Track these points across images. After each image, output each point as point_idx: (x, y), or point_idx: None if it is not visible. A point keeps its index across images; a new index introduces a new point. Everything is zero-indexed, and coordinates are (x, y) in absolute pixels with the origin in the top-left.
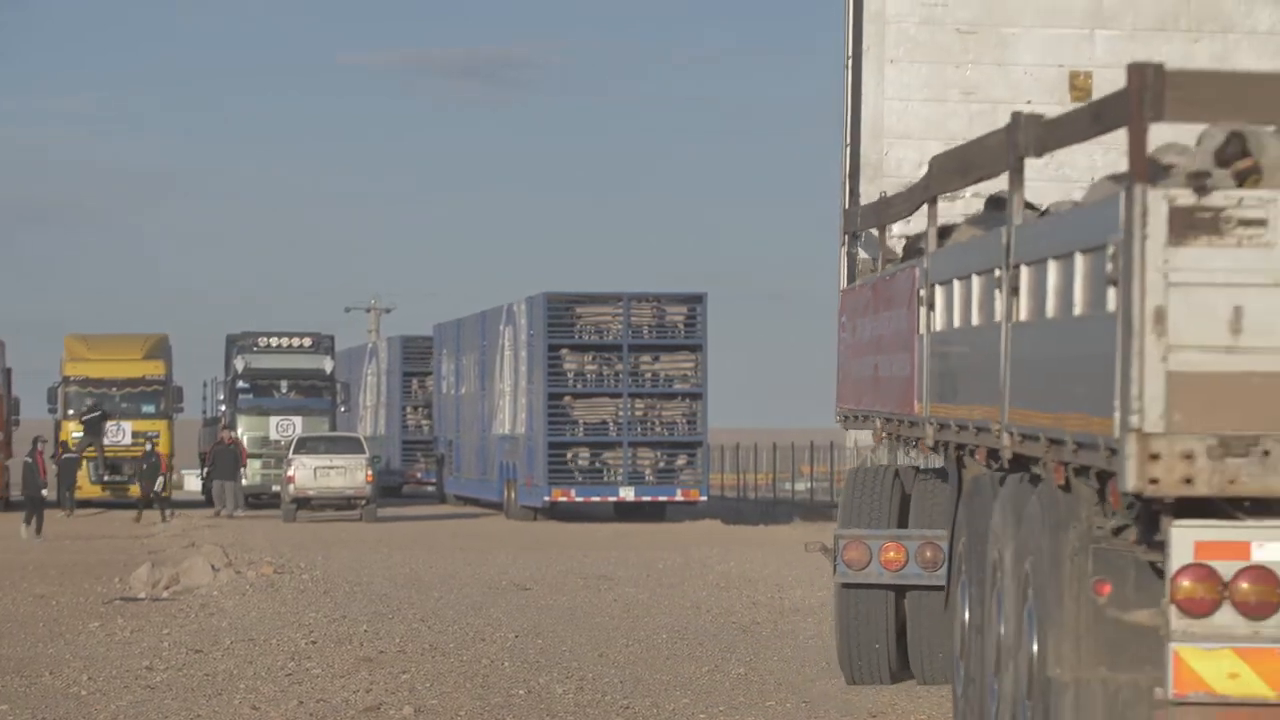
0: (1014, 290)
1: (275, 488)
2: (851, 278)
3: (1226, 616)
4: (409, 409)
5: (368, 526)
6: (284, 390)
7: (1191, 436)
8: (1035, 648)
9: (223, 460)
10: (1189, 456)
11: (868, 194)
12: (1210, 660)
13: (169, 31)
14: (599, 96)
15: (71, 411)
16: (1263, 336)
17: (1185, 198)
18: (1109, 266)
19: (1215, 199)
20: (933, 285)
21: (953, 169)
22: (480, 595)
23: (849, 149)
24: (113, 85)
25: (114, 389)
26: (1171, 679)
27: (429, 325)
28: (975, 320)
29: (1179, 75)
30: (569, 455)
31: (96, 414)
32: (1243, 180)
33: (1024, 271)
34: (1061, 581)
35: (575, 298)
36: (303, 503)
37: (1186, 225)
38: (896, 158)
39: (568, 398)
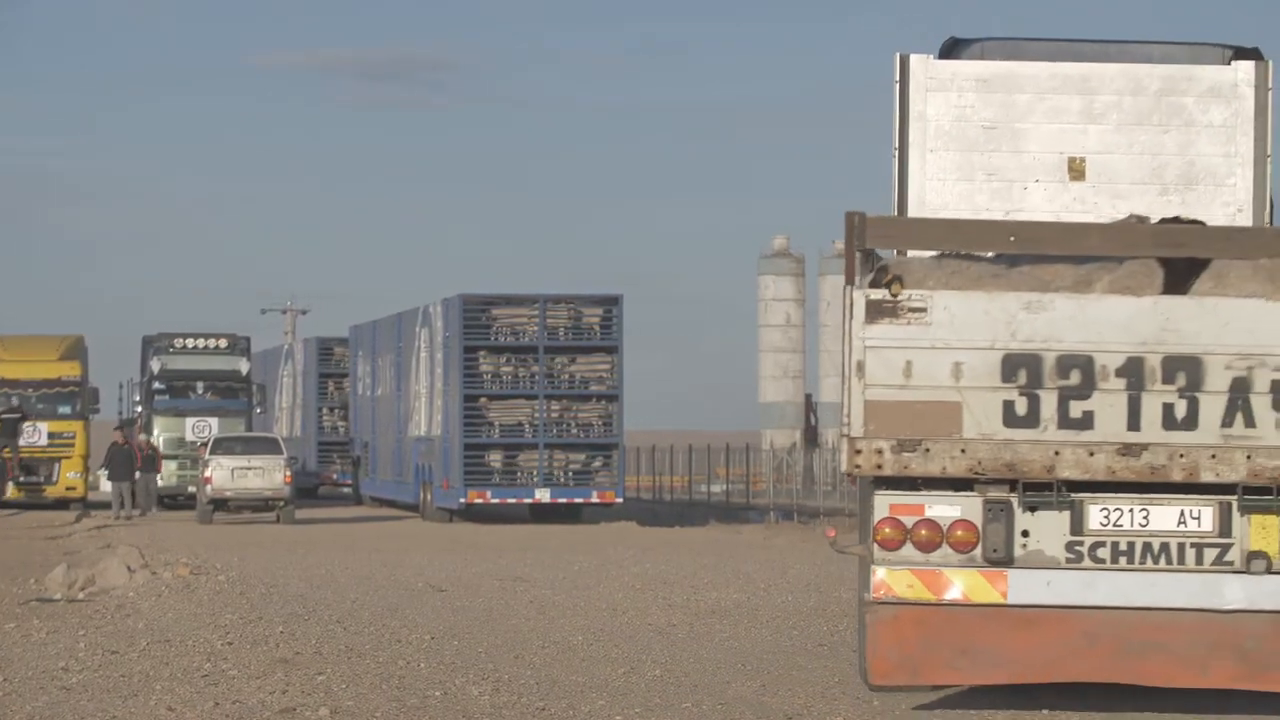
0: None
1: (191, 489)
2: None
3: (907, 551)
4: (325, 410)
5: (284, 528)
6: (200, 391)
7: (881, 439)
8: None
9: (117, 461)
10: (879, 451)
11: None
12: (897, 576)
13: (75, 35)
14: (513, 98)
15: None
16: (923, 380)
17: (872, 294)
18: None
19: (895, 293)
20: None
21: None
22: (396, 597)
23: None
24: (20, 85)
25: (30, 390)
26: (871, 588)
27: (345, 327)
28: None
29: (875, 220)
30: (485, 457)
31: (16, 415)
32: (888, 286)
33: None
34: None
35: (491, 299)
36: (220, 504)
37: (873, 310)
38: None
39: (483, 400)
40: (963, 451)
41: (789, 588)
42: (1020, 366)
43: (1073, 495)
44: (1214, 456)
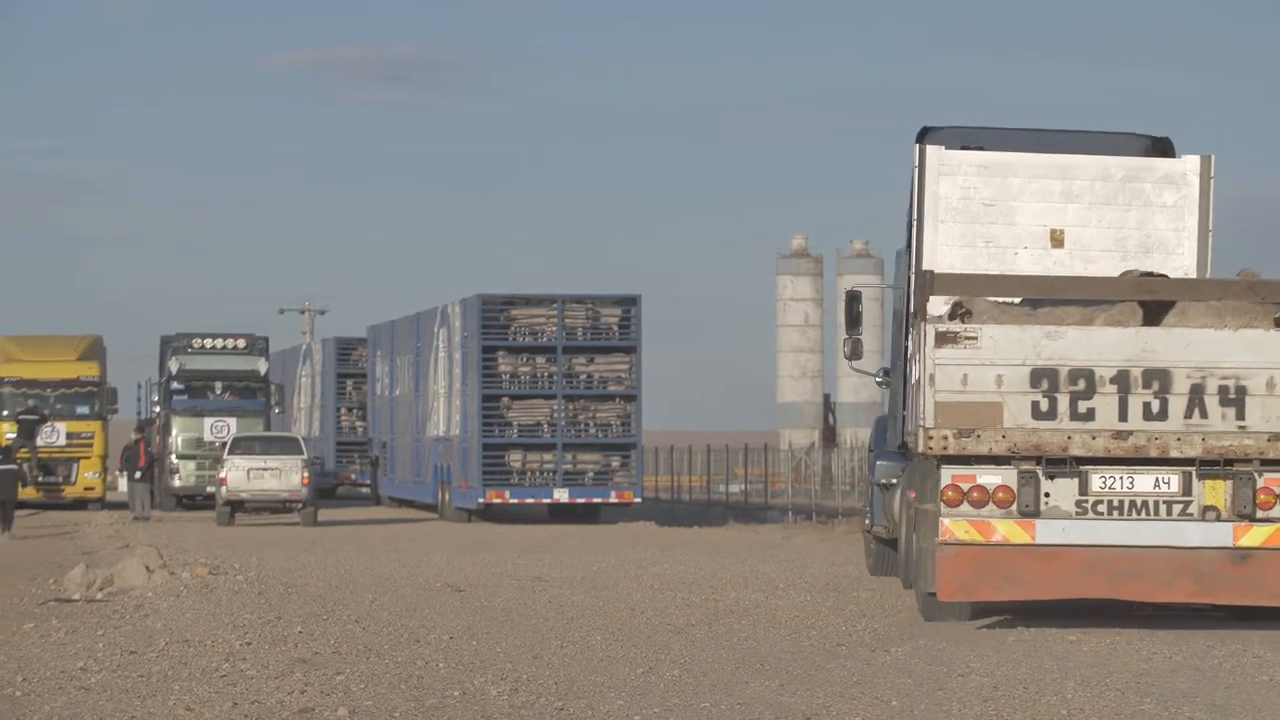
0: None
1: (210, 489)
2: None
3: (964, 507)
4: (343, 410)
5: (303, 528)
6: (218, 391)
7: (946, 429)
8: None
9: (134, 462)
10: (945, 437)
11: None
12: (957, 525)
13: (81, 35)
14: (531, 98)
15: (5, 413)
16: (975, 387)
17: (940, 327)
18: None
19: (954, 326)
20: (912, 359)
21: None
22: (415, 597)
23: (915, 275)
24: (31, 87)
25: (48, 390)
26: (940, 533)
27: (363, 327)
28: (912, 379)
29: (942, 276)
30: (503, 457)
31: (33, 416)
32: (961, 318)
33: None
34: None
35: (510, 299)
36: (237, 505)
37: (940, 339)
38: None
39: (502, 400)
40: (1003, 437)
41: (807, 587)
42: (1043, 377)
43: (1080, 467)
44: (1179, 439)
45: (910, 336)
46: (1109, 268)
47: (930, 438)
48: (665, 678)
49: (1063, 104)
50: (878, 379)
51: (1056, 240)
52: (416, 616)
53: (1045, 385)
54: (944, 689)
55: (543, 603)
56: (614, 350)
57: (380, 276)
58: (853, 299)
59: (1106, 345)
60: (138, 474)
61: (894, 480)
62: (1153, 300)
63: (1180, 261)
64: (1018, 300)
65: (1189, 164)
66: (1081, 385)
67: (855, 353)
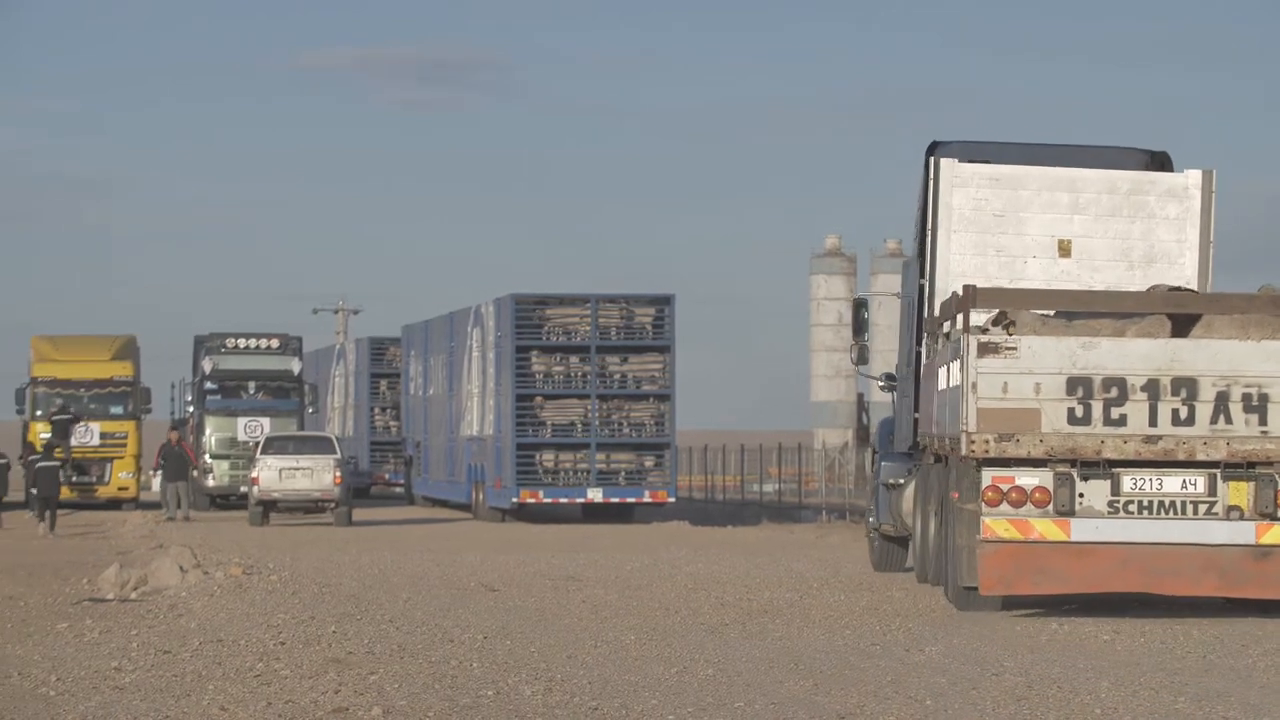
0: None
1: (244, 489)
2: (928, 357)
3: (1004, 507)
4: (377, 410)
5: (337, 528)
6: (252, 391)
7: (988, 433)
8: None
9: (171, 462)
10: (986, 441)
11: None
12: (998, 524)
13: (121, 34)
14: (565, 99)
15: (40, 413)
16: (1014, 394)
17: (983, 338)
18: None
19: (995, 337)
20: (938, 365)
21: (949, 314)
22: (449, 596)
23: (929, 282)
24: (68, 89)
25: (82, 390)
26: (981, 530)
27: (397, 327)
28: (944, 385)
29: (983, 290)
30: (537, 457)
31: (66, 416)
32: (1005, 329)
33: (948, 365)
34: (947, 496)
35: (543, 299)
36: (269, 505)
37: (982, 349)
38: (957, 289)
39: (536, 399)
40: (1041, 441)
41: (841, 587)
42: (1078, 385)
43: (1112, 469)
44: (1205, 443)
45: (924, 343)
46: (1114, 277)
47: (972, 441)
48: (699, 677)
49: (1079, 105)
50: (881, 383)
51: (1064, 250)
52: (450, 616)
53: (1080, 392)
54: (978, 688)
55: (577, 602)
56: (648, 350)
57: (414, 276)
58: (859, 306)
59: (1138, 355)
60: (194, 472)
61: (900, 480)
62: (1181, 313)
63: (1182, 271)
64: (1052, 312)
65: (1191, 178)
66: (1114, 392)
67: (861, 357)
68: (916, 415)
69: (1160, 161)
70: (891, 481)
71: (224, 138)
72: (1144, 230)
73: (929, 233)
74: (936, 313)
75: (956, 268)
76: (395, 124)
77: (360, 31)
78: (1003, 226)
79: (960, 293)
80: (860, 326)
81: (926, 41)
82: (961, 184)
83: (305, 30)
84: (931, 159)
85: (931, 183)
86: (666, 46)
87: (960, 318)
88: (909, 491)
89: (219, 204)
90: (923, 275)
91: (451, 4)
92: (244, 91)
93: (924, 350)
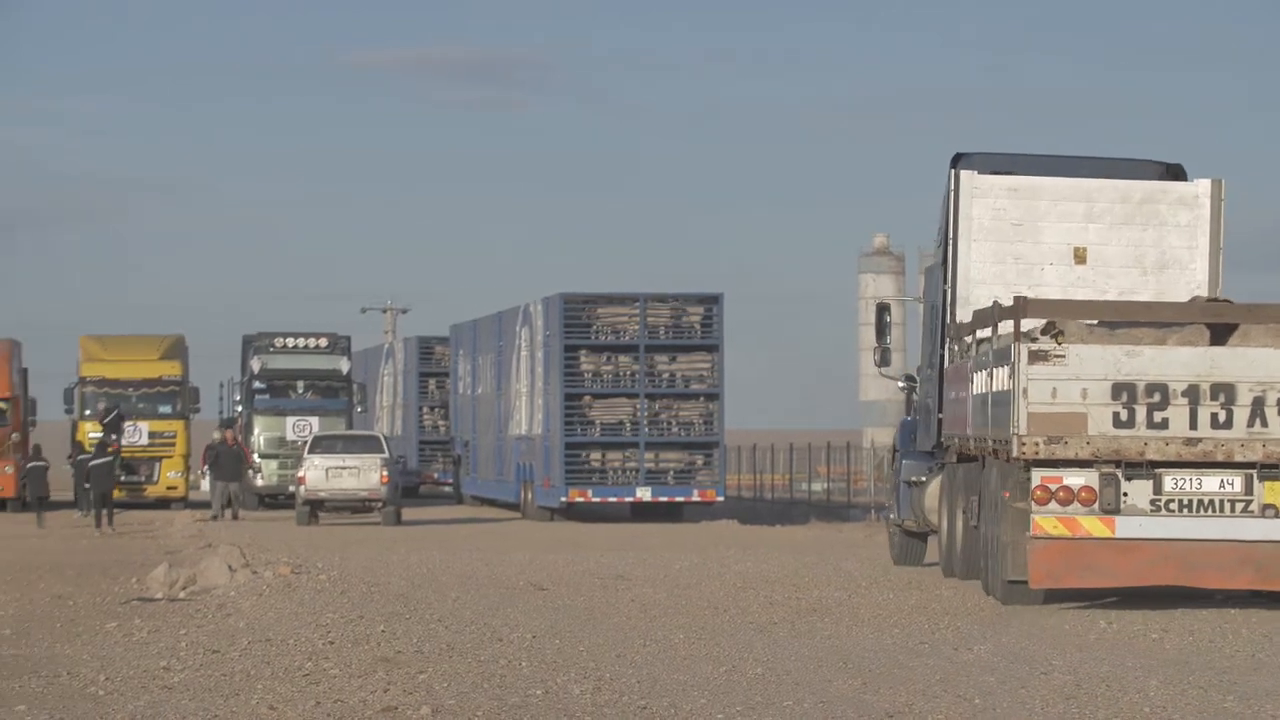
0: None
1: (292, 489)
2: (950, 361)
3: (1053, 505)
4: (425, 409)
5: (385, 527)
6: (300, 391)
7: (1037, 436)
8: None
9: (225, 461)
10: (1036, 444)
11: (962, 315)
12: (1046, 521)
13: (173, 32)
14: (612, 98)
15: (88, 412)
16: (1063, 399)
17: (1034, 346)
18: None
19: (1045, 345)
20: (973, 370)
21: (976, 326)
22: (497, 596)
23: (950, 289)
24: (118, 87)
25: (130, 389)
26: (1031, 528)
27: (445, 326)
28: (983, 389)
29: (1034, 301)
30: (586, 456)
31: (114, 414)
32: (1054, 338)
33: (988, 370)
34: (996, 495)
35: (592, 298)
36: (316, 505)
37: (1033, 356)
38: (978, 295)
39: (584, 398)
40: (1087, 444)
41: (890, 585)
42: (1123, 390)
43: (1155, 470)
44: (1242, 445)
45: (946, 346)
46: (1128, 282)
47: (1023, 444)
48: (748, 676)
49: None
50: (901, 384)
51: (1079, 257)
52: (499, 615)
53: (1124, 397)
54: (1027, 687)
55: (625, 601)
56: (696, 349)
57: (462, 275)
58: (882, 310)
59: (1179, 362)
60: (251, 472)
61: (921, 478)
62: (1219, 323)
63: (1194, 277)
64: (1095, 322)
65: (1201, 187)
66: (1156, 397)
67: (884, 360)
68: (940, 416)
69: (1175, 173)
70: (913, 479)
71: (273, 137)
72: (1156, 237)
73: (951, 241)
74: (958, 318)
75: (976, 274)
76: (445, 123)
77: (411, 31)
78: (1021, 235)
79: (1009, 302)
80: (883, 330)
81: (975, 43)
82: (981, 194)
83: (356, 30)
84: (953, 170)
85: (953, 193)
86: (717, 45)
87: (1009, 325)
88: (932, 488)
89: (268, 203)
90: (945, 281)
91: (502, 3)
92: (294, 91)
93: (946, 353)
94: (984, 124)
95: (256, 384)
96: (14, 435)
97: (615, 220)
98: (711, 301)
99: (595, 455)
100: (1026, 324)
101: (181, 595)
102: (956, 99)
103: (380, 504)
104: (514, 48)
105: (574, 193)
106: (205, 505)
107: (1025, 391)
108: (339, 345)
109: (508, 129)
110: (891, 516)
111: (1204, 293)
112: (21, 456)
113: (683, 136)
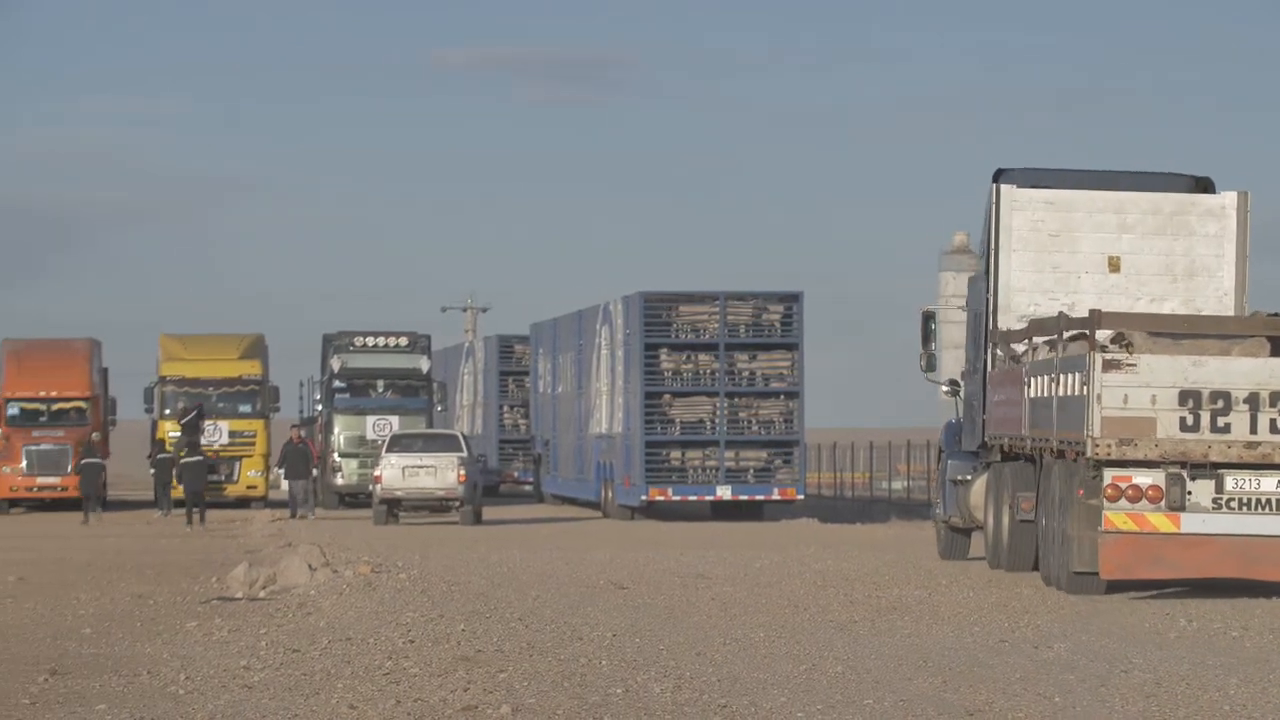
0: (1055, 381)
1: (371, 488)
2: (994, 365)
3: (1123, 503)
4: (506, 408)
5: (465, 526)
6: (380, 390)
7: (1110, 439)
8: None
9: (294, 460)
10: (1109, 445)
11: (1004, 322)
12: (1117, 517)
13: (258, 31)
14: (693, 98)
15: (168, 411)
16: (1133, 404)
17: (1106, 355)
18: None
19: (1118, 355)
20: (1031, 375)
21: (1034, 332)
22: (577, 594)
23: (992, 297)
24: (202, 86)
25: (210, 389)
26: (1102, 523)
27: (525, 324)
28: (1045, 393)
29: (1107, 314)
30: (666, 454)
31: (194, 414)
32: (1124, 348)
33: (1053, 376)
34: (1070, 494)
35: (672, 297)
36: (393, 504)
37: (1106, 365)
38: (1018, 302)
39: (664, 397)
40: (1155, 446)
41: (970, 584)
42: (1189, 397)
43: (1217, 470)
44: None
45: (989, 351)
46: (1159, 290)
47: (1096, 445)
48: (828, 674)
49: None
50: (945, 388)
51: (1114, 266)
52: (579, 614)
53: (1190, 404)
54: (1107, 685)
55: (705, 599)
56: (776, 347)
57: (543, 274)
58: (927, 318)
59: (1240, 372)
60: (314, 470)
61: (967, 477)
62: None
63: (1221, 284)
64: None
65: (1228, 199)
66: (1220, 404)
67: (930, 365)
68: (985, 417)
69: (1204, 186)
70: (959, 478)
71: (356, 136)
72: (1186, 247)
73: (992, 251)
74: (999, 325)
75: (1016, 283)
76: (527, 122)
77: (496, 30)
78: (1058, 245)
79: (1044, 310)
80: (928, 336)
81: (1055, 44)
82: (1020, 208)
83: (442, 28)
84: (994, 185)
85: (994, 206)
86: (796, 45)
87: (1085, 336)
88: (978, 486)
89: (349, 202)
90: (987, 290)
91: (587, 3)
92: (378, 91)
93: (989, 358)
94: (1063, 124)
95: (336, 383)
96: (94, 434)
97: (696, 219)
98: (791, 300)
99: (675, 454)
100: (1101, 335)
101: (261, 594)
102: (1040, 98)
103: (458, 503)
104: (593, 47)
105: (655, 192)
106: (285, 505)
107: (1099, 397)
108: (419, 344)
109: (588, 128)
110: (938, 513)
111: (1231, 298)
112: (105, 455)
113: (761, 135)
